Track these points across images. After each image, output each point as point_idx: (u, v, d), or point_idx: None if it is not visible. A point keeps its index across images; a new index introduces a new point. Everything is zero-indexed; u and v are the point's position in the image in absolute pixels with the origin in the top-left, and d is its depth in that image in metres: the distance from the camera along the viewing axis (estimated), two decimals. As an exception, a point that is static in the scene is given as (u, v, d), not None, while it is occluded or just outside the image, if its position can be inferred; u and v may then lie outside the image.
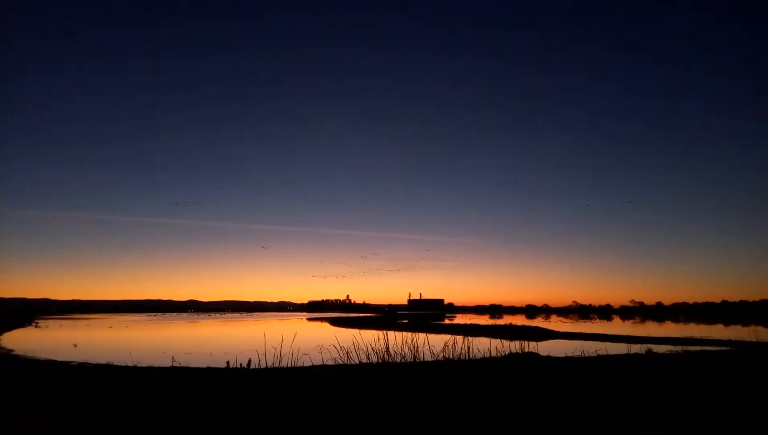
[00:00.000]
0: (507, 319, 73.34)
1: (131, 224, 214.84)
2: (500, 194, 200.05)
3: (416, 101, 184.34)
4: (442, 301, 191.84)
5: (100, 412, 6.99)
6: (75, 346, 26.80)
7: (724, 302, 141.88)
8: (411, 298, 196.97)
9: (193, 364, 14.35)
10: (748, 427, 6.22)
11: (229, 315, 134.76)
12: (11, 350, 22.13)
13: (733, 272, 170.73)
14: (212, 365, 13.79)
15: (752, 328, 46.99)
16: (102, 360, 17.04)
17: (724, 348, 21.79)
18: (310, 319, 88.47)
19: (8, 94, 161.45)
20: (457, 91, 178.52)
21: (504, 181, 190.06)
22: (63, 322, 66.61)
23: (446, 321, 75.53)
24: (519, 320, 71.29)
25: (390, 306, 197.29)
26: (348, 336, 15.47)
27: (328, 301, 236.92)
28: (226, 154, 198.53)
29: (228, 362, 13.54)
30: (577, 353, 16.66)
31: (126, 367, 13.63)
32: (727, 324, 63.23)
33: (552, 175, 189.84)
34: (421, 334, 16.35)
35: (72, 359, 17.48)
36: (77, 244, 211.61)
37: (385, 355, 13.26)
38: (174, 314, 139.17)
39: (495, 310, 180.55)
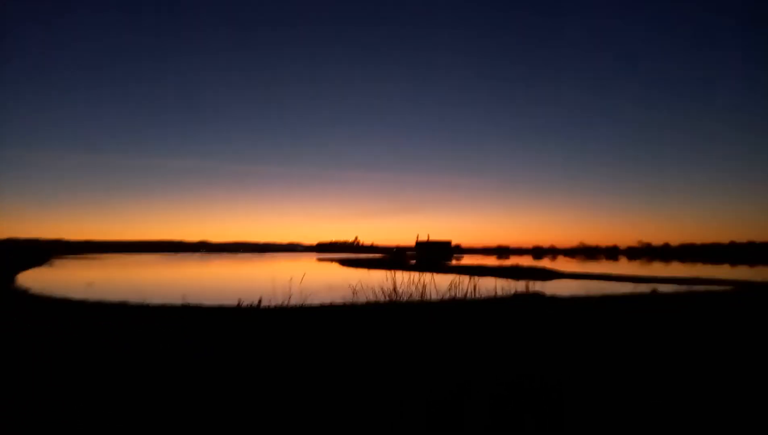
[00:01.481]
0: (514, 260, 74.26)
1: (143, 166, 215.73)
2: (507, 135, 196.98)
3: (421, 47, 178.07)
4: (449, 242, 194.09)
5: (115, 351, 7.25)
6: (90, 284, 27.57)
7: (732, 243, 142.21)
8: (419, 240, 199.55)
9: (205, 303, 14.74)
10: (746, 364, 6.35)
11: (240, 255, 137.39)
12: (28, 289, 22.83)
13: (741, 213, 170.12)
14: (223, 304, 14.16)
15: (758, 268, 47.26)
16: (117, 299, 17.56)
17: (728, 288, 22.00)
18: (319, 260, 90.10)
19: (14, 36, 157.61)
20: (462, 34, 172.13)
21: (510, 123, 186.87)
22: (77, 262, 68.31)
23: (454, 262, 76.64)
24: (526, 261, 72.16)
25: (398, 247, 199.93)
26: (357, 276, 15.73)
27: (337, 242, 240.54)
28: (237, 99, 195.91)
29: (239, 300, 13.90)
30: (582, 293, 16.89)
31: (140, 306, 14.06)
32: (733, 264, 63.61)
33: (557, 115, 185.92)
34: (428, 274, 16.62)
35: (87, 298, 18.03)
36: (90, 185, 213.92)
37: (393, 295, 13.52)
38: (186, 254, 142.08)
39: (502, 251, 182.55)
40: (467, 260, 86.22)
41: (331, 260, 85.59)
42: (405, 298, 13.83)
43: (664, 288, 21.77)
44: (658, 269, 50.89)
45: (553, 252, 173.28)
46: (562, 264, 64.10)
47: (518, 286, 17.15)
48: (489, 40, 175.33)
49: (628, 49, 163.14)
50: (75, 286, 26.29)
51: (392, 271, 15.56)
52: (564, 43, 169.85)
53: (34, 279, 31.04)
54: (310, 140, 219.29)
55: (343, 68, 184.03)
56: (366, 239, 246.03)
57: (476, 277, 16.24)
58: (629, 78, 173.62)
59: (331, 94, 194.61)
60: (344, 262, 68.17)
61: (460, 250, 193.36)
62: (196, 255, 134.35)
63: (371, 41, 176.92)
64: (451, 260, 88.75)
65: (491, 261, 79.44)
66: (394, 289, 14.31)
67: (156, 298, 16.95)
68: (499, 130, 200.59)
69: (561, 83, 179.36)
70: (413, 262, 71.48)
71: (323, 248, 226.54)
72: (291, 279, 13.65)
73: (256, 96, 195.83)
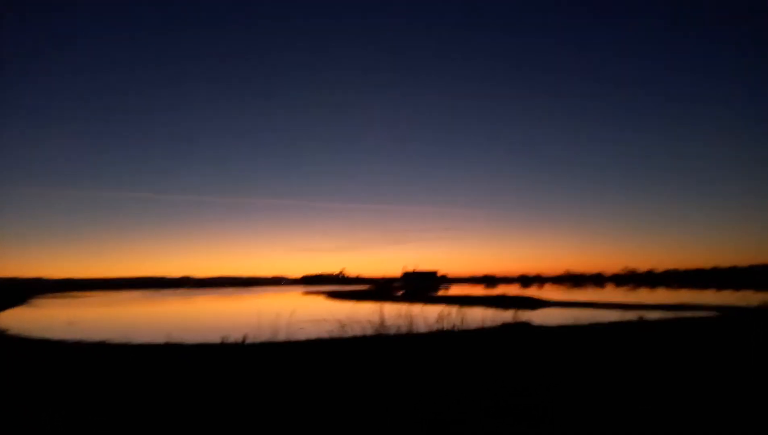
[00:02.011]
0: (501, 289, 74.28)
1: (123, 200, 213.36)
2: (492, 165, 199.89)
3: (406, 78, 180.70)
4: (435, 272, 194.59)
5: (95, 390, 7.05)
6: (70, 324, 26.89)
7: (715, 268, 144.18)
8: (405, 271, 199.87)
9: (188, 341, 14.46)
10: (736, 386, 6.39)
11: (224, 290, 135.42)
12: (5, 330, 22.17)
13: (724, 238, 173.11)
14: (207, 341, 13.89)
15: (742, 292, 47.89)
16: (97, 338, 17.13)
17: (714, 313, 22.22)
18: (305, 293, 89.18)
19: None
20: (447, 65, 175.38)
21: (495, 152, 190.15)
22: (57, 300, 66.70)
23: (441, 292, 76.34)
24: (513, 290, 72.21)
25: (385, 279, 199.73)
26: (344, 309, 15.63)
27: (323, 274, 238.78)
28: (220, 131, 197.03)
29: (224, 337, 13.66)
30: (570, 321, 16.92)
31: (121, 345, 13.73)
32: (718, 289, 64.39)
33: (543, 143, 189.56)
34: (416, 305, 16.56)
35: (67, 338, 17.55)
36: (69, 221, 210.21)
37: (381, 328, 13.43)
38: (169, 290, 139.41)
39: (489, 280, 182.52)
40: (455, 290, 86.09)
41: (318, 293, 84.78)
42: (393, 331, 13.75)
43: (650, 315, 21.94)
44: (644, 296, 51.27)
45: (539, 280, 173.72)
46: (549, 292, 64.30)
47: (506, 315, 17.13)
48: (472, 70, 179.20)
49: (611, 73, 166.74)
50: (54, 325, 25.61)
51: (379, 303, 15.48)
52: (546, 69, 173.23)
53: (12, 319, 30.19)
54: (294, 172, 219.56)
55: (330, 99, 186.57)
56: (352, 271, 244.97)
57: (464, 308, 16.26)
58: (611, 105, 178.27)
59: (317, 125, 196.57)
60: (331, 295, 67.60)
61: (448, 280, 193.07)
62: (180, 291, 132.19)
63: (356, 74, 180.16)
64: (438, 290, 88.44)
65: (479, 290, 79.34)
66: (382, 321, 14.22)
67: (138, 337, 16.57)
68: (484, 159, 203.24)
69: (546, 111, 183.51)
70: (400, 292, 71.10)
71: (309, 281, 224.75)
72: (277, 314, 13.52)
73: (240, 128, 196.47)
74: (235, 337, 13.82)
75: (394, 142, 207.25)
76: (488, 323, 15.47)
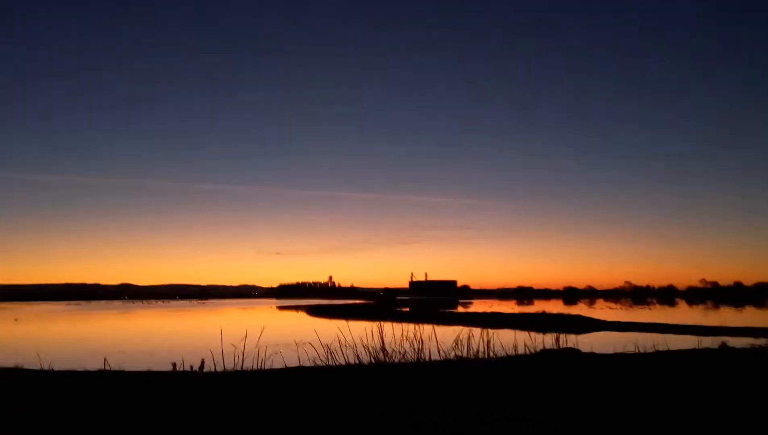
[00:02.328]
0: (539, 306, 74.44)
1: (45, 186, 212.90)
2: (529, 143, 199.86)
3: (430, 49, 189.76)
4: (454, 283, 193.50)
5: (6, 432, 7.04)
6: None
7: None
8: (413, 280, 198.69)
9: (128, 367, 14.49)
10: None
11: (174, 303, 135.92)
12: None
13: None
14: (154, 368, 13.91)
15: None
16: (7, 363, 17.15)
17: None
18: (281, 308, 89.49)
19: None
20: (477, 46, 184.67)
21: (531, 125, 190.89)
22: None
23: (459, 309, 76.53)
24: (555, 307, 72.33)
25: (386, 290, 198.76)
26: (331, 329, 15.67)
27: (304, 284, 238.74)
28: (166, 98, 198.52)
29: (174, 364, 13.66)
30: (630, 349, 16.90)
31: (39, 372, 13.74)
32: (825, 310, 64.41)
33: (597, 121, 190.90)
34: (426, 325, 16.53)
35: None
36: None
37: (380, 354, 13.43)
38: (103, 302, 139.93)
39: (523, 293, 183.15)
40: (478, 306, 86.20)
41: (297, 308, 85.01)
42: (396, 359, 13.75)
43: (736, 341, 21.93)
44: (728, 316, 51.30)
45: (590, 294, 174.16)
46: (603, 310, 64.43)
47: (546, 340, 17.10)
48: (507, 61, 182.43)
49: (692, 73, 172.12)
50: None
51: (379, 323, 15.43)
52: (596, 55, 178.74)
53: None
54: (266, 151, 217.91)
55: (311, 72, 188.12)
56: (343, 280, 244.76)
57: (490, 329, 16.20)
58: (676, 95, 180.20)
59: (298, 98, 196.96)
60: (314, 311, 67.79)
61: (468, 293, 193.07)
62: (116, 303, 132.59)
63: (353, 53, 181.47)
64: (456, 306, 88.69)
65: (509, 306, 79.50)
66: (382, 346, 14.21)
67: (62, 361, 16.60)
68: (515, 137, 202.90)
69: (595, 96, 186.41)
70: (406, 309, 71.25)
71: (286, 292, 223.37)
72: (244, 334, 13.47)
73: (190, 103, 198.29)
74: (189, 363, 13.82)
75: (407, 117, 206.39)
76: (522, 350, 15.44)
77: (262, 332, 14.13)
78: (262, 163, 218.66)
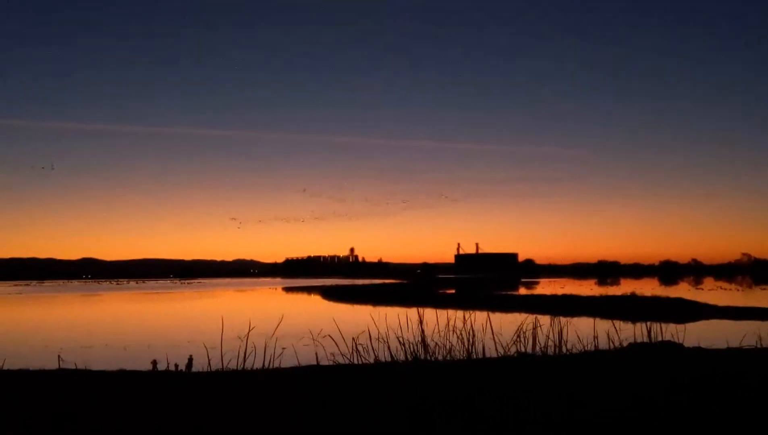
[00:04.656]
0: (626, 286, 74.03)
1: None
2: (619, 76, 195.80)
3: None
4: (514, 256, 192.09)
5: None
6: None
7: None
8: (461, 253, 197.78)
9: (95, 366, 14.85)
10: None
11: (151, 283, 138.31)
12: None
13: None
14: (128, 367, 14.25)
15: None
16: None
17: None
18: (288, 290, 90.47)
19: None
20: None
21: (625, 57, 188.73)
22: None
23: (522, 290, 76.57)
24: (648, 287, 71.97)
25: (425, 266, 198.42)
26: (355, 317, 15.82)
27: (318, 258, 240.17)
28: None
29: (155, 362, 13.97)
30: (751, 342, 16.76)
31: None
32: None
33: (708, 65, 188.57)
34: (479, 312, 16.56)
35: None
36: None
37: (419, 349, 13.56)
38: (60, 283, 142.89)
39: (606, 270, 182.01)
40: (546, 286, 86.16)
41: (309, 290, 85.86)
42: (441, 356, 13.88)
43: None
44: None
45: (695, 270, 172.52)
46: (713, 291, 63.86)
47: (636, 331, 17.02)
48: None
49: None
50: None
51: (417, 308, 15.48)
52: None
53: None
54: (267, 91, 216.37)
55: None
56: (369, 253, 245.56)
57: (562, 318, 16.13)
58: None
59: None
60: (332, 294, 68.35)
61: (533, 269, 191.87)
62: (76, 283, 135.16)
63: None
64: (517, 287, 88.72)
65: (587, 287, 79.31)
66: (422, 339, 14.32)
67: (12, 358, 17.11)
68: (602, 71, 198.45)
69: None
70: (451, 291, 71.52)
71: (295, 269, 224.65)
72: (242, 324, 13.66)
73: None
74: (173, 361, 14.09)
75: (433, 42, 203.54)
76: (604, 345, 15.43)
77: (264, 322, 14.32)
78: (259, 101, 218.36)
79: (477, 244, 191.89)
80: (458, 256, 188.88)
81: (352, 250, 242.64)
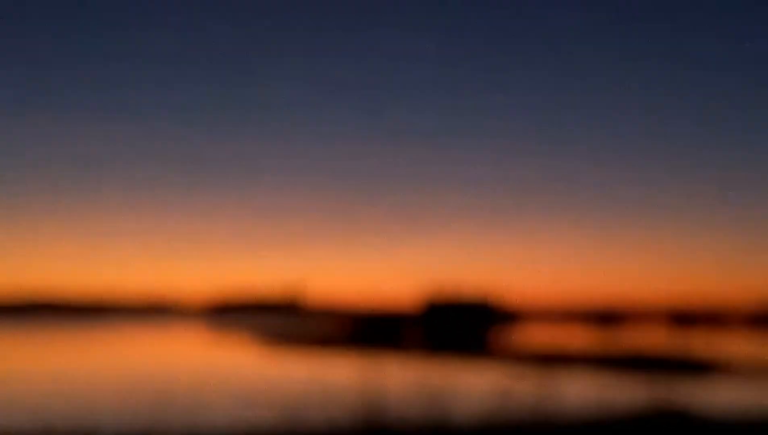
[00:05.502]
0: (630, 335, 74.76)
1: None
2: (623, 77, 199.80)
3: None
4: (488, 301, 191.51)
5: None
6: None
7: None
8: (430, 296, 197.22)
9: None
10: None
11: (31, 324, 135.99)
12: None
13: None
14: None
15: None
16: None
17: None
18: (211, 335, 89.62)
19: None
20: None
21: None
22: None
23: (499, 339, 76.81)
24: (653, 338, 72.64)
25: (384, 313, 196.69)
26: (297, 372, 15.89)
27: (251, 299, 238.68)
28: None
29: (43, 428, 13.79)
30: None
31: None
32: None
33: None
34: (450, 367, 16.58)
35: None
36: None
37: (375, 415, 13.55)
38: None
39: (605, 315, 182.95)
40: (530, 333, 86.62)
41: (240, 336, 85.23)
42: (400, 422, 13.85)
43: None
44: None
45: (710, 319, 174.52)
46: (732, 344, 64.55)
47: (639, 395, 17.16)
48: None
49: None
50: None
51: (374, 359, 15.42)
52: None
53: None
54: (189, 80, 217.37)
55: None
56: (319, 290, 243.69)
57: (549, 374, 16.21)
58: None
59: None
60: (269, 339, 68.13)
61: (512, 315, 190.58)
62: None
63: None
64: (494, 334, 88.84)
65: (580, 336, 79.78)
66: (378, 399, 14.28)
67: None
68: (605, 65, 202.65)
69: None
70: (414, 340, 71.82)
71: (220, 311, 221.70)
72: (152, 380, 13.55)
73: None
74: (66, 426, 13.92)
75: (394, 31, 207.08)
76: (601, 411, 15.57)
77: (182, 377, 14.23)
78: (180, 95, 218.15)
79: (448, 289, 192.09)
80: (429, 303, 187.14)
81: (298, 286, 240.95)
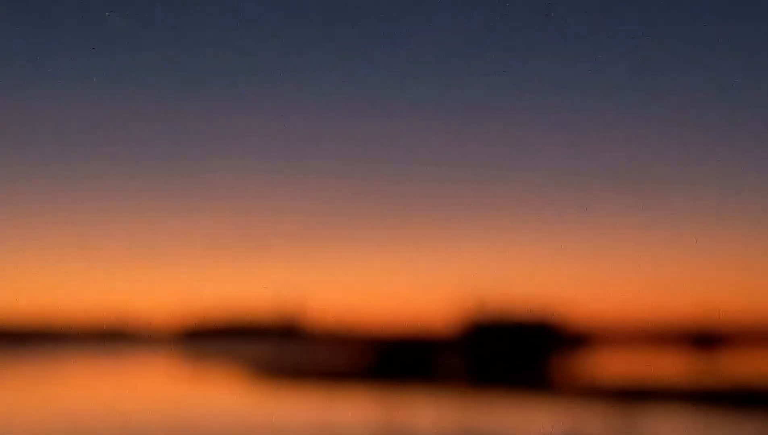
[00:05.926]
0: (734, 362, 74.61)
1: None
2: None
3: None
4: (547, 321, 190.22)
5: None
6: None
7: None
8: (471, 314, 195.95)
9: None
10: None
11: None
12: None
13: None
14: None
15: None
16: None
17: None
18: (186, 366, 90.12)
19: None
20: None
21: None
22: None
23: (562, 369, 76.78)
24: (766, 363, 72.32)
25: (412, 336, 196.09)
26: (297, 415, 15.96)
27: (236, 320, 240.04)
28: None
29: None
30: None
31: None
32: None
33: None
34: (499, 406, 16.55)
35: None
36: None
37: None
38: None
39: (702, 337, 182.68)
40: (604, 360, 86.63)
41: (220, 369, 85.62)
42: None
43: None
44: None
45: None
46: None
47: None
48: None
49: None
50: None
51: (400, 398, 15.42)
52: None
53: None
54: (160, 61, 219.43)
55: None
56: (324, 310, 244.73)
57: (630, 412, 16.15)
58: None
59: None
60: (259, 373, 68.26)
61: (582, 336, 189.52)
62: None
63: None
64: (557, 361, 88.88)
65: (671, 365, 79.60)
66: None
67: None
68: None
69: None
70: (457, 365, 72.03)
71: (196, 336, 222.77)
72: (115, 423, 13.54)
73: None
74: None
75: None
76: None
77: (153, 419, 14.21)
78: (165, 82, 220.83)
79: (494, 304, 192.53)
80: (472, 321, 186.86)
81: (297, 306, 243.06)
